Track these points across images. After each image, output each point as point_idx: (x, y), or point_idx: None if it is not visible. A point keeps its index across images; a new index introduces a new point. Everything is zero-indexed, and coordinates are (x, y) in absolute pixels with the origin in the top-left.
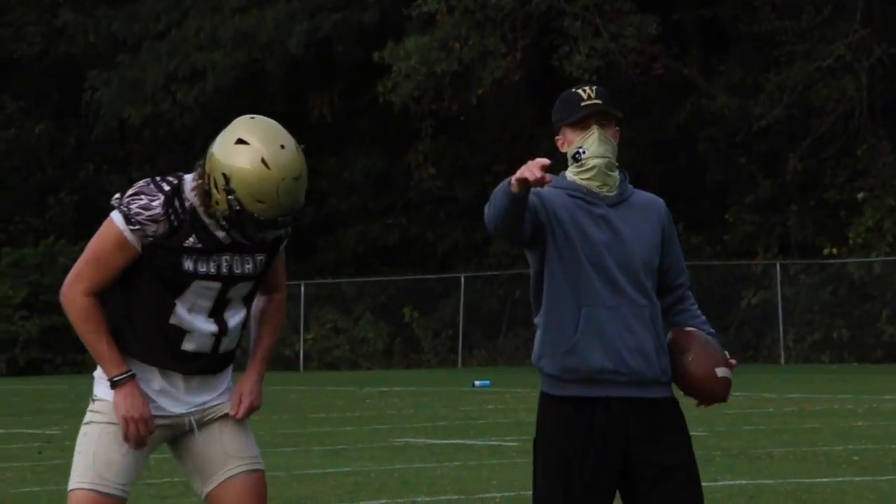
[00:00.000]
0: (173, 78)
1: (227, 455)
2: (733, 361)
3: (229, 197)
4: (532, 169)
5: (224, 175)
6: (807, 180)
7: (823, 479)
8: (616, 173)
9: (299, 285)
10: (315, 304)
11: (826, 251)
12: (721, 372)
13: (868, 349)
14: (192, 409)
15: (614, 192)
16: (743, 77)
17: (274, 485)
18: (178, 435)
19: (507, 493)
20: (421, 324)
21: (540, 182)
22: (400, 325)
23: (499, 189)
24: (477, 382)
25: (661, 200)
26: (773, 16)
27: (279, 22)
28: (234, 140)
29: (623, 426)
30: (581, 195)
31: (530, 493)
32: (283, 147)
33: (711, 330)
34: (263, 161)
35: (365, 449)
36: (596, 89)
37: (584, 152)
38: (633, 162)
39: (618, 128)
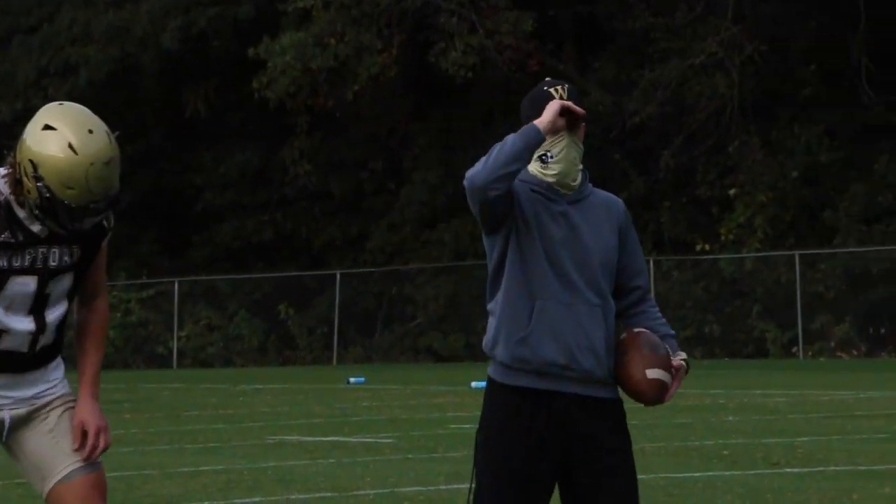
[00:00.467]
0: (45, 72)
1: (62, 452)
2: (677, 363)
3: (38, 184)
4: (569, 105)
5: (32, 162)
6: (679, 177)
7: (694, 474)
8: (579, 176)
9: (173, 282)
10: (189, 300)
11: (698, 247)
12: (652, 373)
13: (739, 345)
14: (12, 404)
15: (575, 191)
16: (617, 74)
17: (147, 483)
18: (8, 432)
19: (381, 490)
20: (296, 321)
21: (584, 115)
22: (275, 322)
23: (513, 136)
24: (352, 379)
25: (620, 201)
26: (647, 13)
27: (153, 16)
28: (42, 126)
29: (568, 422)
30: (542, 190)
31: (404, 489)
32: (91, 132)
33: (671, 331)
34: (70, 146)
35: (238, 447)
36: (567, 89)
37: (551, 157)
38: None
39: (584, 124)
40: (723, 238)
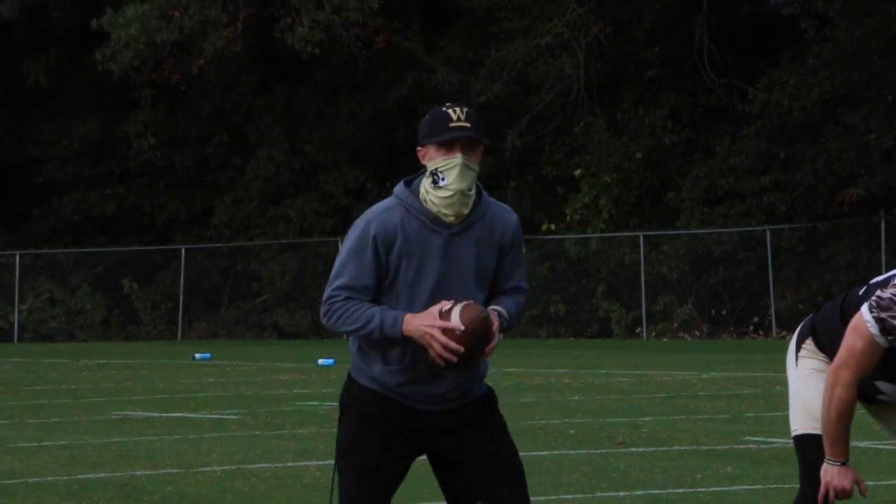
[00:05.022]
0: None
1: None
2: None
3: None
4: (443, 352)
5: None
6: (525, 157)
7: (541, 453)
8: (470, 201)
9: (14, 255)
10: (30, 274)
11: (544, 227)
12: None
13: (583, 324)
14: None
15: (460, 222)
16: (464, 52)
17: None
18: None
19: (227, 467)
20: (140, 296)
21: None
22: (118, 296)
23: (378, 320)
24: (197, 355)
25: (512, 221)
26: None
27: None
28: None
29: (434, 430)
30: (426, 219)
31: (251, 466)
32: None
33: (500, 308)
34: None
35: (81, 422)
36: (466, 112)
37: (443, 179)
38: (353, 135)
39: (482, 147)
40: (568, 218)
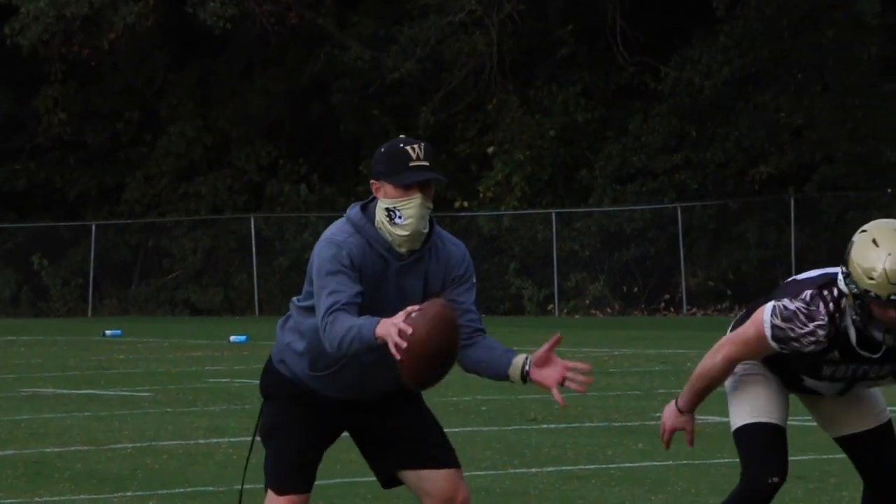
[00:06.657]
0: None
1: None
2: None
3: None
4: (397, 341)
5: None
6: (438, 133)
7: (453, 429)
8: (424, 236)
9: None
10: None
11: (457, 204)
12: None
13: (496, 302)
14: None
15: (412, 254)
16: (376, 29)
17: None
18: None
19: (138, 444)
20: (50, 272)
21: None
22: (28, 272)
23: (356, 333)
24: (108, 332)
25: (460, 256)
26: None
27: None
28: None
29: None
30: (381, 250)
31: (162, 443)
32: None
33: (509, 350)
34: None
35: None
36: (424, 147)
37: (400, 217)
38: (266, 112)
39: (433, 186)
40: (481, 195)
